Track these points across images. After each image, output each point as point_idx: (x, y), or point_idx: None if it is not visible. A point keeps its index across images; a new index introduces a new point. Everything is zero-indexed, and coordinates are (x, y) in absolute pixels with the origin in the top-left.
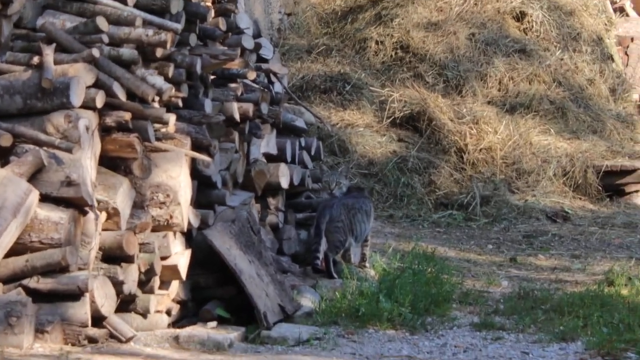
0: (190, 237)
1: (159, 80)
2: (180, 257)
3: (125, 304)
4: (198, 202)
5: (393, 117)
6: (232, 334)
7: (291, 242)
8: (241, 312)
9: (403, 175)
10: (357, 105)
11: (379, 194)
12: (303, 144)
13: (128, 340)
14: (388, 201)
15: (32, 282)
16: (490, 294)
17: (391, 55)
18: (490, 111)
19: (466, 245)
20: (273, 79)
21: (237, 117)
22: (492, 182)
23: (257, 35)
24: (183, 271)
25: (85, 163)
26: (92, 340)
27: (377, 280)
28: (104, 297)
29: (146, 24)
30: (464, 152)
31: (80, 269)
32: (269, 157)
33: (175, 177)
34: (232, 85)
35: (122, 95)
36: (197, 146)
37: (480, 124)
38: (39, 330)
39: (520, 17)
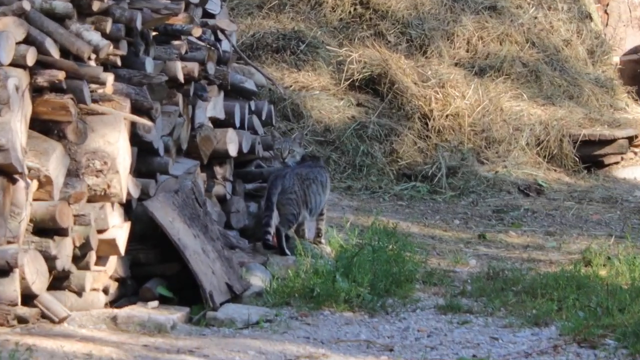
0: (130, 209)
1: (95, 36)
2: (119, 230)
3: (59, 281)
4: (138, 170)
5: (351, 79)
6: (175, 315)
7: (240, 215)
8: (185, 291)
9: (362, 143)
10: (313, 66)
11: (336, 163)
12: (253, 107)
13: (61, 320)
14: (346, 171)
15: None
16: (457, 274)
17: (350, 12)
18: (457, 74)
19: (431, 220)
20: (220, 36)
21: (180, 77)
22: (460, 151)
23: None
24: (122, 246)
25: (15, 126)
26: (21, 320)
27: (334, 258)
28: (35, 274)
29: None
30: (428, 118)
31: (9, 243)
32: (216, 122)
33: (113, 142)
34: (176, 42)
35: (55, 53)
36: (137, 109)
37: (446, 88)
38: None
39: None
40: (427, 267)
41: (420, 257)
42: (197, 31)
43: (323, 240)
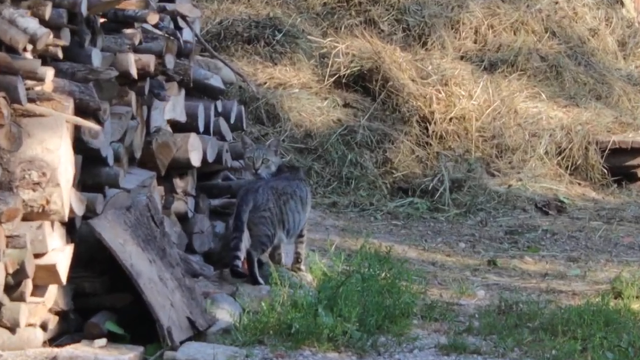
0: (73, 229)
1: (32, 24)
2: (60, 254)
3: None
4: (83, 183)
5: (337, 75)
6: (126, 356)
7: (204, 236)
8: (139, 326)
9: (350, 152)
10: (291, 59)
11: (319, 175)
12: (220, 109)
13: None
14: (330, 185)
15: None
16: (462, 307)
17: None
18: (463, 69)
19: (432, 243)
20: (181, 23)
21: (133, 72)
22: (466, 161)
23: None
24: (63, 273)
25: None
26: None
27: (316, 288)
28: None
29: None
30: (429, 122)
31: None
32: (176, 126)
33: (53, 150)
34: (128, 31)
35: None
36: (81, 110)
37: (450, 86)
38: None
39: None
40: (426, 299)
41: (418, 287)
42: (153, 18)
43: (303, 267)
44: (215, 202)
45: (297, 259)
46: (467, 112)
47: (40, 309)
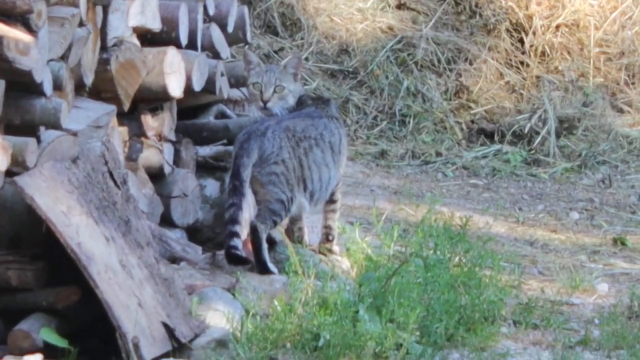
0: None
1: None
2: None
3: None
4: (8, 122)
5: None
6: None
7: (188, 202)
8: (90, 335)
9: (407, 76)
10: None
11: (360, 110)
12: (212, 11)
13: None
14: (378, 125)
15: None
16: (575, 309)
17: None
18: None
19: (529, 212)
20: None
21: None
22: (581, 90)
23: None
24: None
25: None
26: None
27: (355, 280)
28: None
29: None
30: (525, 31)
31: None
32: (146, 37)
33: None
34: None
35: None
36: (4, 13)
37: None
38: None
39: None
40: (521, 296)
41: (509, 279)
42: None
43: (336, 248)
44: (205, 150)
45: (327, 236)
46: (582, 17)
47: None
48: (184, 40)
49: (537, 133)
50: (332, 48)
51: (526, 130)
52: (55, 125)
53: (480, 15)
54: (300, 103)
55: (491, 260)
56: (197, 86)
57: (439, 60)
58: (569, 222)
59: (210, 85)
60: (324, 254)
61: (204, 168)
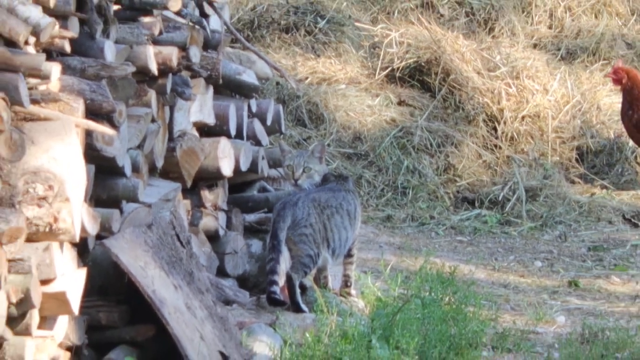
0: (86, 251)
1: (34, 12)
2: (70, 280)
3: None
4: (97, 197)
5: (390, 68)
6: None
7: (237, 257)
8: None
9: (407, 157)
10: (337, 50)
11: (371, 184)
12: (254, 109)
13: None
14: (384, 195)
15: None
16: (540, 336)
17: None
18: (537, 59)
19: (503, 262)
20: (208, 10)
21: (153, 68)
22: (542, 166)
23: None
24: (74, 302)
25: None
26: None
27: (369, 316)
28: None
29: None
30: (497, 121)
31: None
32: (204, 129)
33: (61, 159)
34: (146, 20)
35: None
36: (93, 112)
37: (522, 79)
38: None
39: None
40: (498, 326)
41: (488, 313)
42: (175, 4)
43: (353, 291)
44: (251, 217)
45: (346, 283)
46: (542, 110)
47: (48, 344)
48: (233, 131)
49: (509, 200)
50: (348, 136)
51: (500, 198)
52: (134, 199)
53: (463, 109)
54: (325, 180)
55: (474, 299)
56: (244, 167)
57: (431, 145)
58: (534, 269)
59: (254, 167)
60: (344, 297)
61: (250, 231)
